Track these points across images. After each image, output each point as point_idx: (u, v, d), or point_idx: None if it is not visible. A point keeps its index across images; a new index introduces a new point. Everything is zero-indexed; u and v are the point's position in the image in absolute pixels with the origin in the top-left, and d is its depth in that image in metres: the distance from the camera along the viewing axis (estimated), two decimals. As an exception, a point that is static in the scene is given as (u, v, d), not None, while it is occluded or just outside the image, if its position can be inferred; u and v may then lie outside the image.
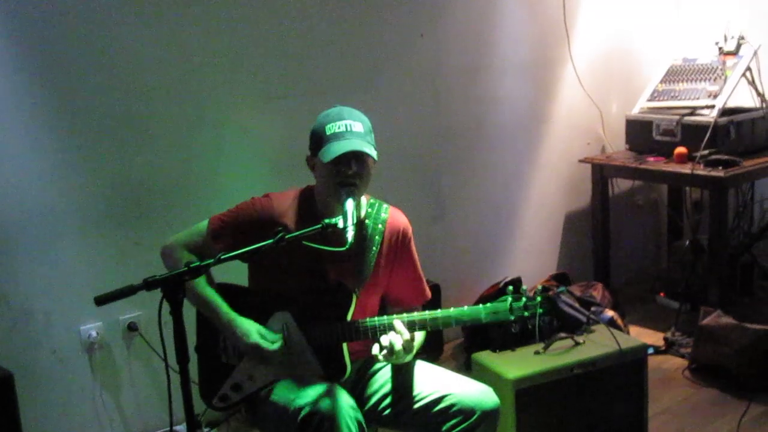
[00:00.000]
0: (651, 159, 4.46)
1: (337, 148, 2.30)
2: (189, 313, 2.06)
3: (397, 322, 2.35)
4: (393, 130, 3.93)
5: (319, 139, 2.35)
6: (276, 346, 2.35)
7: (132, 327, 3.48)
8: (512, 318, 2.40)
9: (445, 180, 4.39)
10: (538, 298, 2.41)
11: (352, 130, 2.33)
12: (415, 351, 2.41)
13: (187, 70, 3.48)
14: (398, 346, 2.30)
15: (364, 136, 2.34)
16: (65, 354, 3.37)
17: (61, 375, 3.36)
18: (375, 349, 2.33)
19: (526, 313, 2.40)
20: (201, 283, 2.41)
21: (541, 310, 2.42)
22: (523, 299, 2.40)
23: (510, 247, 4.70)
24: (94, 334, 3.41)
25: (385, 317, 2.38)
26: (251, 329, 2.36)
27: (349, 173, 2.31)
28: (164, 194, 3.50)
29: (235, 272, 2.55)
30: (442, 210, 4.39)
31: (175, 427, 3.52)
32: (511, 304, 2.39)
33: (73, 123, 3.28)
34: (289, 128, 3.64)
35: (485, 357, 3.14)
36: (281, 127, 3.71)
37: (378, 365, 2.54)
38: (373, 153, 2.35)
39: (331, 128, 2.33)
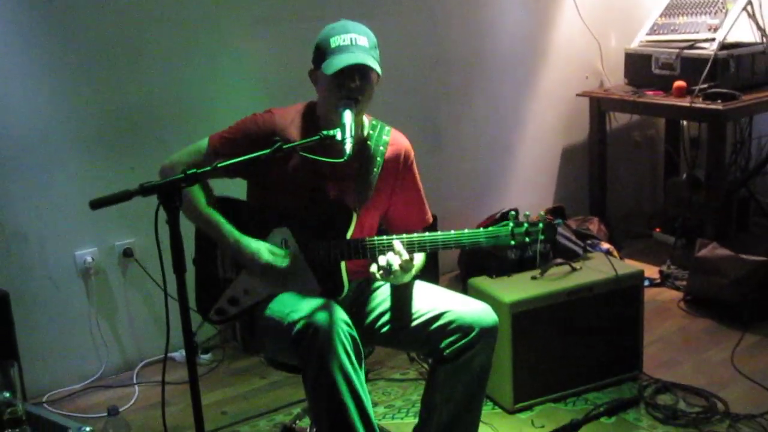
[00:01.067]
0: (650, 93, 4.42)
1: (340, 61, 2.25)
2: (187, 230, 2.03)
3: (397, 242, 2.32)
4: (390, 57, 3.80)
5: (322, 52, 2.30)
6: (287, 262, 2.34)
7: (127, 253, 3.47)
8: (513, 243, 2.36)
9: (442, 110, 4.35)
10: (540, 225, 2.38)
11: (357, 43, 2.28)
12: (414, 273, 2.39)
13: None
14: (396, 266, 2.28)
15: (368, 51, 2.29)
16: (60, 279, 3.37)
17: (56, 299, 3.37)
18: (373, 268, 2.31)
19: (527, 239, 2.36)
20: (202, 201, 2.39)
21: (542, 237, 2.39)
22: (525, 225, 2.37)
23: (506, 180, 4.68)
24: (89, 259, 3.40)
25: (384, 237, 2.35)
26: (261, 248, 2.35)
27: (352, 86, 2.26)
28: (159, 119, 3.47)
29: (234, 193, 2.53)
30: (438, 140, 4.35)
31: (170, 354, 3.54)
32: (512, 229, 2.36)
33: (66, 49, 3.24)
34: (283, 52, 3.61)
35: (482, 282, 3.14)
36: (275, 50, 3.67)
37: (377, 284, 2.53)
38: (378, 67, 2.30)
39: (336, 41, 2.28)
